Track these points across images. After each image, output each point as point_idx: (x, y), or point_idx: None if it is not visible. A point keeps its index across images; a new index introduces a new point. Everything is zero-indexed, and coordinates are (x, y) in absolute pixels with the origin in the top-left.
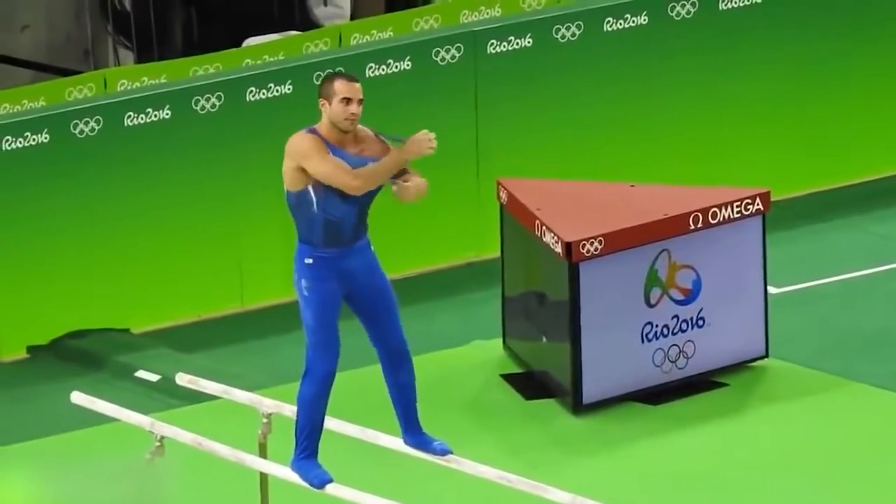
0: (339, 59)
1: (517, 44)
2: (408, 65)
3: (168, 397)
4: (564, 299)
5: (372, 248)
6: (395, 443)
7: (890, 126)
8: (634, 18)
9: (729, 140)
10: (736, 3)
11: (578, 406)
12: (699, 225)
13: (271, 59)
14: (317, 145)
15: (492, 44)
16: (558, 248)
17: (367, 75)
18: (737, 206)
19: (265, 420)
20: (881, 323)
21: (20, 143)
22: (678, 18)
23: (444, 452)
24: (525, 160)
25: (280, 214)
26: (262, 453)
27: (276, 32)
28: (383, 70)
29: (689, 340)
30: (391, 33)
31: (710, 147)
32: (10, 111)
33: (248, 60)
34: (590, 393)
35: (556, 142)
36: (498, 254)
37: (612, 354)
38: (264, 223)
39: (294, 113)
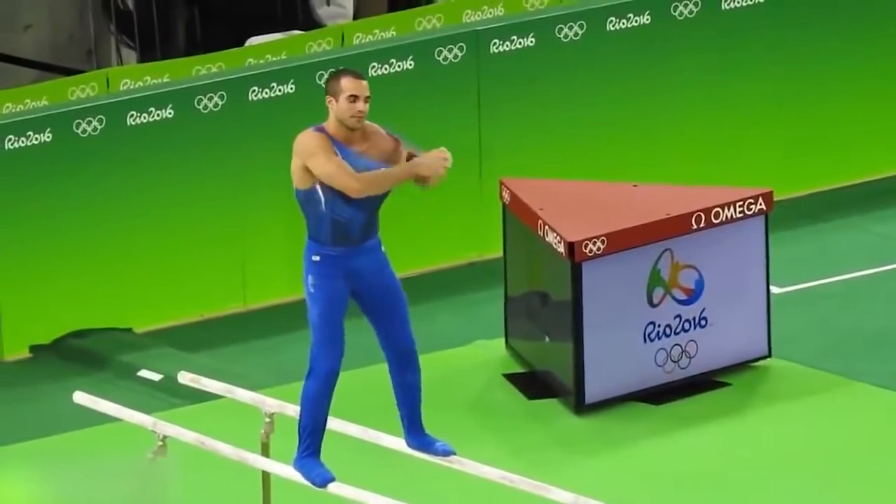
0: (341, 58)
1: (520, 43)
2: (410, 64)
3: (170, 397)
4: (567, 299)
5: (383, 247)
6: (398, 443)
7: (892, 126)
8: (637, 18)
9: (731, 140)
10: (738, 2)
11: (581, 406)
12: (702, 225)
13: (274, 59)
14: (323, 144)
15: (495, 43)
16: (561, 248)
17: (369, 75)
18: (739, 206)
19: (268, 420)
20: (883, 323)
21: (23, 142)
22: (681, 18)
23: (446, 453)
24: (528, 160)
25: (283, 214)
26: (265, 453)
27: (278, 32)
28: (386, 70)
29: (691, 340)
30: (394, 33)
31: (712, 147)
32: (13, 110)
33: (251, 60)
34: (592, 393)
35: (559, 141)
36: (500, 253)
37: (615, 354)
38: (267, 222)
39: (297, 112)
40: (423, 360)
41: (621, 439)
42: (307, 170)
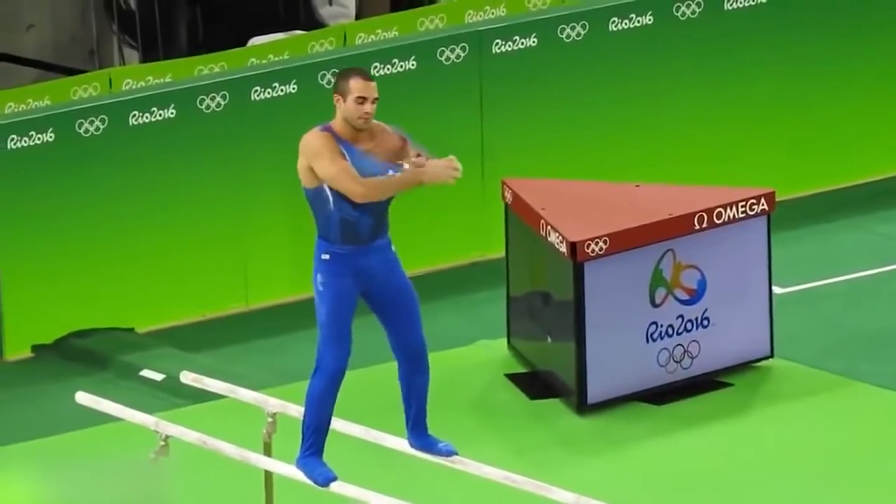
0: (343, 58)
1: (522, 43)
2: (413, 64)
3: (173, 397)
4: (569, 299)
5: (393, 247)
6: (401, 444)
7: (894, 126)
8: (640, 18)
9: (734, 140)
10: (741, 3)
11: (583, 406)
12: (704, 225)
13: (276, 59)
14: (328, 144)
15: (497, 43)
16: (563, 248)
17: (372, 75)
18: (742, 207)
19: (270, 419)
20: (886, 323)
21: (25, 142)
22: (683, 18)
23: (449, 454)
24: (530, 160)
25: (285, 213)
26: (267, 453)
27: (281, 32)
28: (388, 70)
29: (693, 340)
30: (396, 33)
31: (715, 147)
32: (16, 110)
33: (253, 60)
34: (594, 393)
35: (561, 141)
36: (503, 253)
37: (617, 354)
38: (269, 222)
39: (299, 112)
40: None
41: (623, 439)
42: (313, 170)
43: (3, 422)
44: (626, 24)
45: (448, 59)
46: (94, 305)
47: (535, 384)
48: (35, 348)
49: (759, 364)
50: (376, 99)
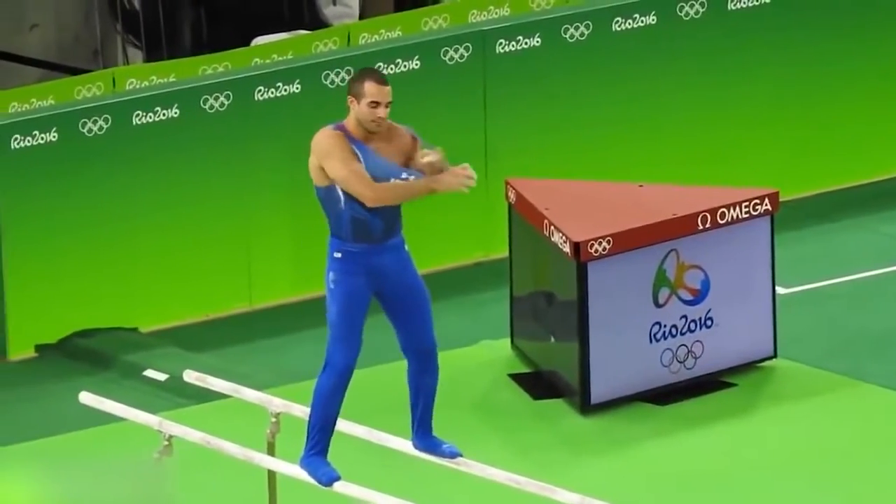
0: (347, 58)
1: (526, 43)
2: (416, 64)
3: (176, 396)
4: (573, 299)
5: (406, 246)
6: (405, 445)
7: None
8: (643, 18)
9: (737, 140)
10: (744, 3)
11: (586, 406)
12: (707, 225)
13: (280, 59)
14: (340, 144)
15: (500, 43)
16: (567, 248)
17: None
18: (745, 207)
19: (274, 419)
20: (890, 323)
21: (29, 141)
22: (687, 18)
23: (453, 455)
24: (533, 160)
25: (288, 214)
26: (271, 453)
27: (284, 32)
28: (392, 69)
29: (697, 340)
30: (400, 33)
31: (718, 147)
32: (19, 110)
33: (257, 59)
34: (598, 393)
35: (565, 141)
36: (506, 253)
37: (621, 354)
38: (272, 222)
39: (303, 112)
40: None
41: (627, 440)
42: (324, 169)
43: (6, 421)
44: (629, 24)
45: (452, 58)
46: (97, 305)
47: (538, 384)
48: (38, 348)
49: (762, 364)
50: (390, 103)
